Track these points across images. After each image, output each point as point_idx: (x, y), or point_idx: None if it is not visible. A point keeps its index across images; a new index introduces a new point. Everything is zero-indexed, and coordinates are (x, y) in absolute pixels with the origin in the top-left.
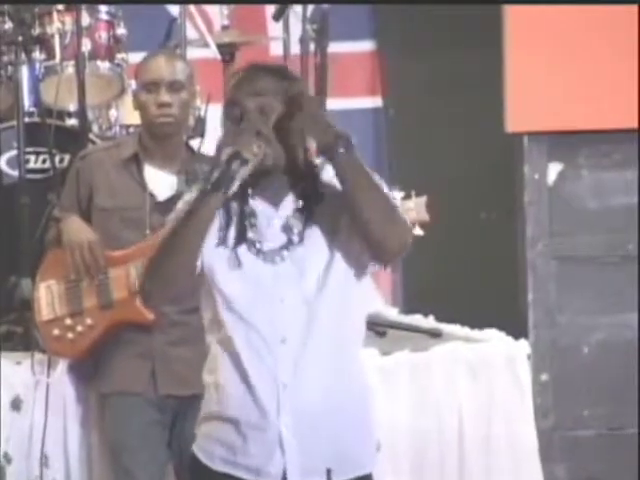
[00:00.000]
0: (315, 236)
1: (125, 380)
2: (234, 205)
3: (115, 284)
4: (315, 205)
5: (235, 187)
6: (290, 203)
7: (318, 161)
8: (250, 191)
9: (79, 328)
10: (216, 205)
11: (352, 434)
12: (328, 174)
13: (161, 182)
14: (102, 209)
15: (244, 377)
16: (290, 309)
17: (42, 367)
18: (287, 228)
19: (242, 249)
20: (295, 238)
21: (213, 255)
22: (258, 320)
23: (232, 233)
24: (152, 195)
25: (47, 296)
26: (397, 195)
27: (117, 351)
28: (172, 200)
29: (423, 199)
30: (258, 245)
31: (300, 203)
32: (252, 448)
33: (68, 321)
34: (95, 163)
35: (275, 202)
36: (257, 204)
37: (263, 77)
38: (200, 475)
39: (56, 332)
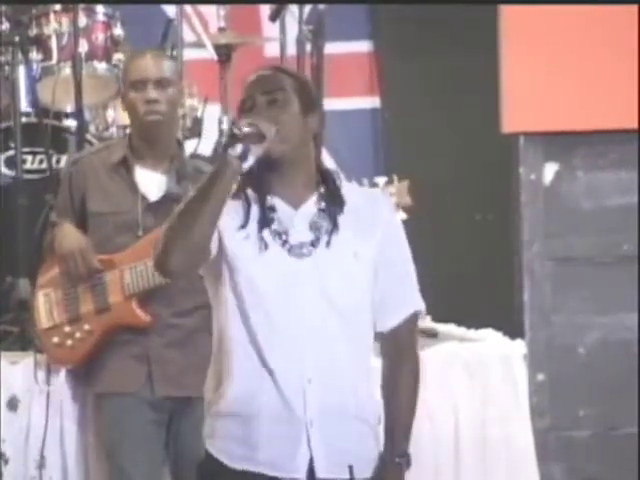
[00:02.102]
0: (341, 245)
1: (121, 381)
2: (253, 196)
3: (110, 288)
4: (338, 207)
5: (250, 161)
6: (312, 204)
7: (332, 168)
8: (266, 188)
9: (77, 334)
10: (233, 173)
11: (371, 431)
12: (345, 184)
13: (152, 183)
14: (95, 214)
15: (269, 373)
16: (313, 305)
17: (42, 372)
18: (315, 226)
19: (268, 236)
20: (323, 237)
21: (237, 241)
22: (284, 313)
23: (253, 220)
24: (144, 197)
25: (45, 304)
26: (380, 180)
27: (113, 352)
28: (164, 200)
29: (405, 184)
30: (284, 237)
31: (323, 205)
32: (277, 443)
33: (66, 328)
34: (87, 168)
35: (295, 203)
36: (275, 201)
37: (275, 74)
38: (218, 475)
39: (55, 340)
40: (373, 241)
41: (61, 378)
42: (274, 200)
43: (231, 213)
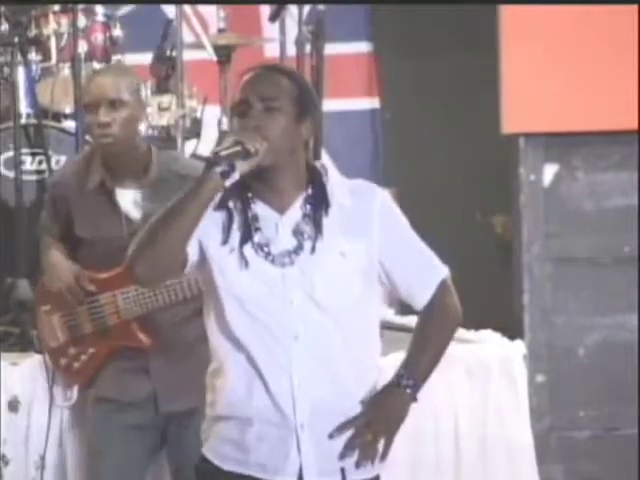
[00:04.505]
0: (326, 248)
1: (123, 393)
2: (237, 207)
3: (107, 310)
4: (323, 210)
5: (234, 177)
6: (297, 208)
7: (319, 164)
8: (250, 195)
9: (83, 357)
10: (214, 189)
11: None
12: (334, 180)
13: (133, 201)
14: (84, 238)
15: (258, 376)
16: (301, 309)
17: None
18: (298, 232)
19: (249, 251)
20: (306, 244)
21: (221, 255)
22: (269, 318)
23: (236, 233)
24: (127, 217)
25: (48, 322)
26: None
27: (113, 364)
28: (145, 219)
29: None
30: (266, 249)
31: (308, 208)
32: (267, 447)
33: (72, 350)
34: (68, 191)
35: (280, 208)
36: (259, 208)
37: (274, 77)
38: (210, 477)
39: (63, 362)
40: (367, 239)
41: (75, 396)
42: (258, 207)
43: (216, 226)
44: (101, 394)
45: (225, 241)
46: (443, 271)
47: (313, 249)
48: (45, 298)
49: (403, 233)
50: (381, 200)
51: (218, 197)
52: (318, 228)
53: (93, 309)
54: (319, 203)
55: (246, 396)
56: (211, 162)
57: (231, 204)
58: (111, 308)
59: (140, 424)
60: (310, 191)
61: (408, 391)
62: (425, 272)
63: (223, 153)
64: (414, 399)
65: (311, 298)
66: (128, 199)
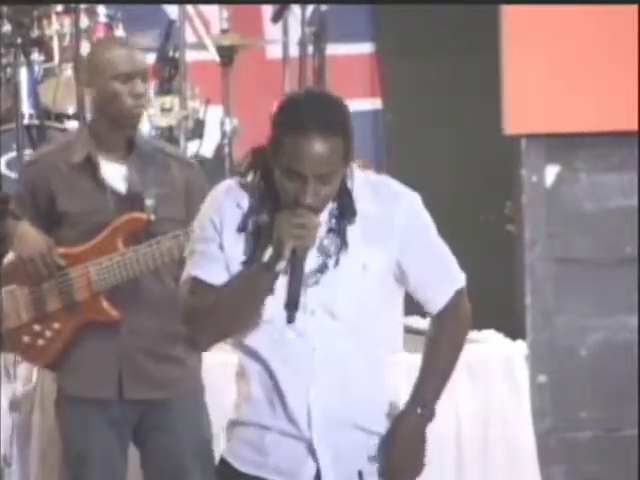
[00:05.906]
0: (349, 261)
1: (89, 384)
2: (264, 229)
3: (77, 285)
4: (348, 220)
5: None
6: (323, 224)
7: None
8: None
9: (48, 334)
10: (272, 278)
11: (381, 441)
12: (358, 183)
13: (119, 175)
14: (68, 213)
15: (275, 388)
16: (320, 322)
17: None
18: (322, 250)
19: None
20: (331, 262)
21: None
22: (287, 330)
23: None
24: (113, 191)
25: (11, 302)
26: None
27: (83, 352)
28: (130, 193)
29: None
30: None
31: (333, 222)
32: (284, 453)
33: (36, 327)
34: (47, 169)
35: None
36: None
37: (328, 144)
38: (229, 478)
39: (26, 340)
40: (388, 246)
41: (35, 378)
42: None
43: (242, 246)
44: (67, 392)
45: (252, 261)
46: (461, 280)
47: (337, 262)
48: (9, 278)
49: (425, 237)
50: (406, 207)
51: (242, 217)
52: (343, 240)
53: (62, 283)
54: (344, 215)
55: (264, 406)
56: (275, 277)
57: (254, 219)
58: (82, 281)
59: (112, 419)
60: (336, 203)
61: (424, 419)
62: (443, 279)
63: (278, 267)
64: (430, 421)
65: (330, 311)
66: (114, 172)
